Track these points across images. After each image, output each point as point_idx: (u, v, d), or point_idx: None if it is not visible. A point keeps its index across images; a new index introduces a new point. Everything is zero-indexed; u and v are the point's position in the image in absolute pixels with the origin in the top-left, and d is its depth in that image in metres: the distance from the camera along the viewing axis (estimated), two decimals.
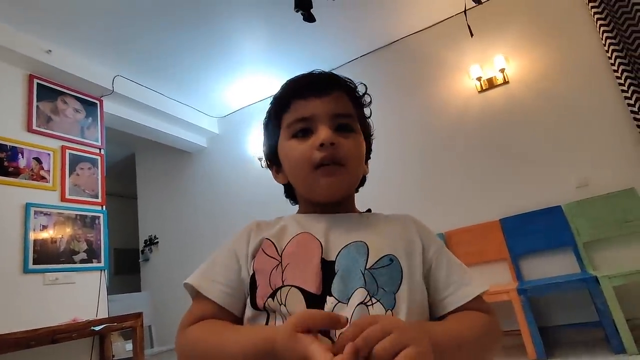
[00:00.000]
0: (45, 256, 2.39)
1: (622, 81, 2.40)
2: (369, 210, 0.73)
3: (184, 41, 2.92)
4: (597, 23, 2.53)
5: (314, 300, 0.54)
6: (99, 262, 2.67)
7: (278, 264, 0.59)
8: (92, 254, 2.64)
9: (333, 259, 0.58)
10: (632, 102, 2.35)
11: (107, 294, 2.69)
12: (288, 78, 0.69)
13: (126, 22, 2.63)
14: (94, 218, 2.72)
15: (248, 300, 0.60)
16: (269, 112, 0.71)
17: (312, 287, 0.55)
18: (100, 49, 2.83)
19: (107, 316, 2.54)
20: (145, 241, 4.38)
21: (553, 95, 2.71)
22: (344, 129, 0.64)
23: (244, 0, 2.61)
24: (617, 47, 2.43)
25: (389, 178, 3.10)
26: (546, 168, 2.65)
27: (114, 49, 2.87)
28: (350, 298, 0.54)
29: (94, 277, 2.63)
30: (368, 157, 0.73)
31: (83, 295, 2.54)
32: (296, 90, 0.66)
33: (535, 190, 2.65)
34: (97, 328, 2.13)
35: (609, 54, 2.47)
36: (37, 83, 2.64)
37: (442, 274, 0.62)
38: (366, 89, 0.72)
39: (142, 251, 4.39)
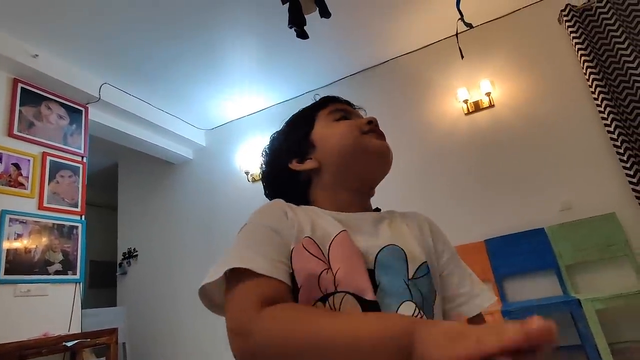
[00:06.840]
0: (18, 266, 2.28)
1: (602, 109, 2.48)
2: (377, 209, 0.72)
3: (174, 52, 2.91)
4: (578, 52, 2.64)
5: (370, 309, 0.52)
6: (75, 274, 2.56)
7: (328, 268, 0.54)
8: (68, 265, 2.54)
9: (371, 266, 0.55)
10: (611, 129, 2.43)
11: (81, 308, 2.57)
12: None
13: (116, 30, 2.61)
14: (72, 228, 2.62)
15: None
16: (303, 110, 0.76)
17: (369, 294, 0.52)
18: (88, 55, 2.79)
19: (80, 331, 2.42)
20: (124, 254, 4.24)
21: (537, 120, 2.79)
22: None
23: (236, 14, 2.63)
24: (597, 77, 2.52)
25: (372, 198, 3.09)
26: (531, 190, 2.70)
27: (103, 57, 2.84)
28: (397, 311, 0.52)
29: (68, 289, 2.52)
30: None
31: (56, 309, 2.42)
32: (331, 97, 0.76)
33: (520, 211, 2.69)
34: (69, 344, 2.02)
35: (589, 82, 2.57)
36: (22, 87, 2.58)
37: (453, 283, 0.63)
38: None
39: (120, 264, 4.24)
